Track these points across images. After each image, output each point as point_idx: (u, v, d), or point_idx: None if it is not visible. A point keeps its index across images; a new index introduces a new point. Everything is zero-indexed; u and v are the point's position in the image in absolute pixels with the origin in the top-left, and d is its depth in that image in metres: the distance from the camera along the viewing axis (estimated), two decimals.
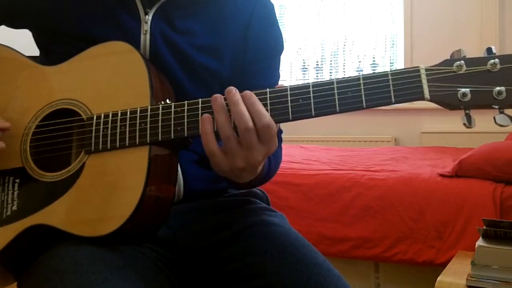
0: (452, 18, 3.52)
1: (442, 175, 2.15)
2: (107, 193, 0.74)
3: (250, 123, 0.68)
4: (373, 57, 3.95)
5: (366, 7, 3.93)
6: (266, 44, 0.92)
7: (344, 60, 4.04)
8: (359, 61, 3.99)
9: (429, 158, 2.71)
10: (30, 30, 0.92)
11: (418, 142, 3.63)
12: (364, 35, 3.95)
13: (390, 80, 0.67)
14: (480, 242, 1.61)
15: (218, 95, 0.71)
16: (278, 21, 0.97)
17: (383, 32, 3.91)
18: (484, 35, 3.33)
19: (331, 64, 4.06)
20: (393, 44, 3.88)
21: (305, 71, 4.15)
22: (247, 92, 0.70)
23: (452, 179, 2.11)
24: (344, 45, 4.03)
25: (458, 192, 2.03)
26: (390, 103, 0.68)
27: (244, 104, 0.69)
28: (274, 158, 0.89)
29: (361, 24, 3.95)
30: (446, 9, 3.57)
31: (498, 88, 0.64)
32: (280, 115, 0.70)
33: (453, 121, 3.47)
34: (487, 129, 3.25)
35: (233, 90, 0.70)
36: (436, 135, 3.57)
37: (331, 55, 4.07)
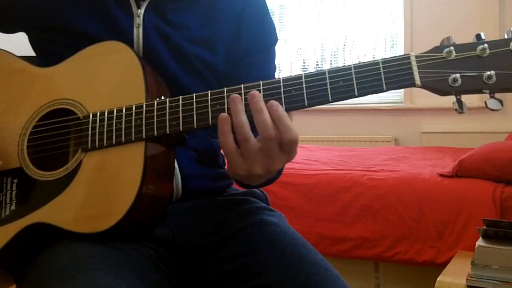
0: (452, 18, 3.52)
1: (442, 175, 2.15)
2: (104, 189, 0.74)
3: (273, 133, 0.67)
4: (373, 57, 3.94)
5: (366, 7, 3.93)
6: (259, 36, 0.92)
7: (344, 60, 4.03)
8: (359, 61, 3.98)
9: (429, 158, 2.71)
10: (26, 31, 0.92)
11: (418, 142, 3.63)
12: (364, 35, 3.95)
13: (381, 68, 0.68)
14: (480, 242, 1.61)
15: (237, 96, 0.69)
16: (271, 14, 0.97)
17: (383, 32, 3.91)
18: (484, 34, 3.33)
19: (331, 64, 4.05)
20: (393, 44, 3.88)
21: (305, 71, 4.12)
22: (274, 102, 0.69)
23: (452, 179, 2.11)
24: (344, 45, 4.03)
25: (458, 192, 2.03)
26: (382, 91, 0.68)
27: (269, 113, 0.68)
28: None
29: (361, 24, 3.95)
30: (446, 9, 3.57)
31: (488, 72, 0.65)
32: None
33: (453, 121, 3.48)
34: (487, 129, 3.27)
35: (256, 95, 0.69)
36: (436, 135, 3.56)
37: (331, 55, 4.07)
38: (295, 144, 0.69)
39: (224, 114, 0.69)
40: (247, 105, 0.69)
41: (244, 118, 0.69)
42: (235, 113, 0.69)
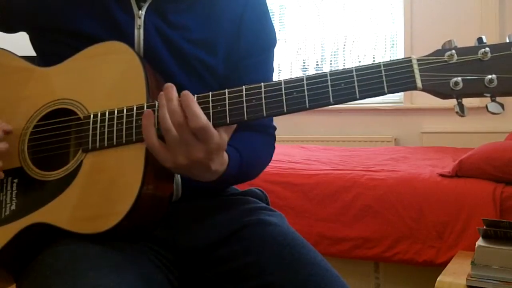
0: (452, 18, 3.52)
1: (442, 175, 2.15)
2: (104, 190, 0.74)
3: (182, 119, 0.69)
4: (373, 57, 3.95)
5: (366, 7, 3.93)
6: (259, 38, 0.92)
7: (344, 60, 4.03)
8: (359, 61, 3.99)
9: (429, 158, 2.71)
10: (27, 31, 0.92)
11: (418, 142, 3.63)
12: (364, 35, 3.95)
13: (383, 71, 0.68)
14: (480, 242, 1.61)
15: (161, 93, 0.71)
16: (271, 14, 0.97)
17: (383, 32, 3.90)
18: (485, 35, 3.33)
19: (331, 64, 4.05)
20: (393, 44, 3.88)
21: (305, 71, 4.14)
22: (184, 92, 0.70)
23: (452, 179, 2.11)
24: (344, 45, 4.03)
25: (458, 192, 2.02)
26: (383, 93, 0.68)
27: (180, 102, 0.69)
28: (253, 154, 0.88)
29: (361, 24, 3.95)
30: (446, 9, 3.57)
31: (489, 76, 0.65)
32: (275, 108, 0.70)
33: (453, 121, 3.47)
34: (487, 129, 3.27)
35: (169, 87, 0.71)
36: (436, 135, 3.56)
37: (331, 55, 4.07)
38: (206, 131, 0.69)
39: (148, 110, 0.71)
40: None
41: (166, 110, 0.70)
42: (160, 107, 0.70)
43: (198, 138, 0.69)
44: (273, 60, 0.97)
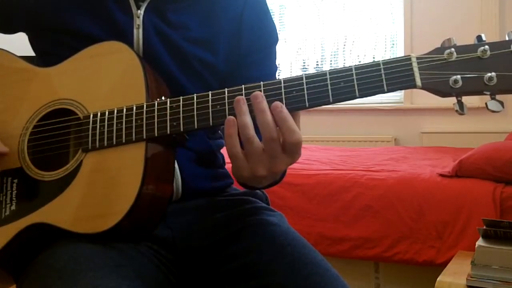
0: (452, 18, 3.52)
1: (442, 175, 2.15)
2: (104, 189, 0.74)
3: (276, 134, 0.68)
4: (373, 57, 3.95)
5: (366, 7, 3.93)
6: (260, 35, 0.92)
7: (344, 60, 4.03)
8: (359, 61, 3.99)
9: (429, 158, 2.71)
10: (26, 31, 0.92)
11: (418, 142, 3.63)
12: (364, 35, 3.95)
13: (382, 70, 0.68)
14: (480, 242, 1.61)
15: (241, 97, 0.70)
16: (271, 13, 0.97)
17: (383, 32, 3.91)
18: (485, 35, 3.33)
19: (331, 64, 4.05)
20: (393, 44, 3.88)
21: (305, 71, 4.14)
22: (278, 103, 0.69)
23: (452, 179, 2.11)
24: (344, 45, 4.03)
25: (458, 192, 2.03)
26: (383, 92, 0.68)
27: (272, 114, 0.68)
28: None
29: (361, 24, 3.95)
30: (446, 9, 3.57)
31: (488, 74, 0.65)
32: None
33: (453, 121, 3.48)
34: (487, 129, 3.27)
35: (259, 96, 0.69)
36: (436, 135, 3.56)
37: (331, 55, 4.07)
38: (299, 147, 0.69)
39: (231, 117, 0.69)
40: (250, 106, 0.70)
41: (248, 119, 0.69)
42: (239, 114, 0.69)
43: (286, 151, 0.69)
44: (275, 57, 0.97)
